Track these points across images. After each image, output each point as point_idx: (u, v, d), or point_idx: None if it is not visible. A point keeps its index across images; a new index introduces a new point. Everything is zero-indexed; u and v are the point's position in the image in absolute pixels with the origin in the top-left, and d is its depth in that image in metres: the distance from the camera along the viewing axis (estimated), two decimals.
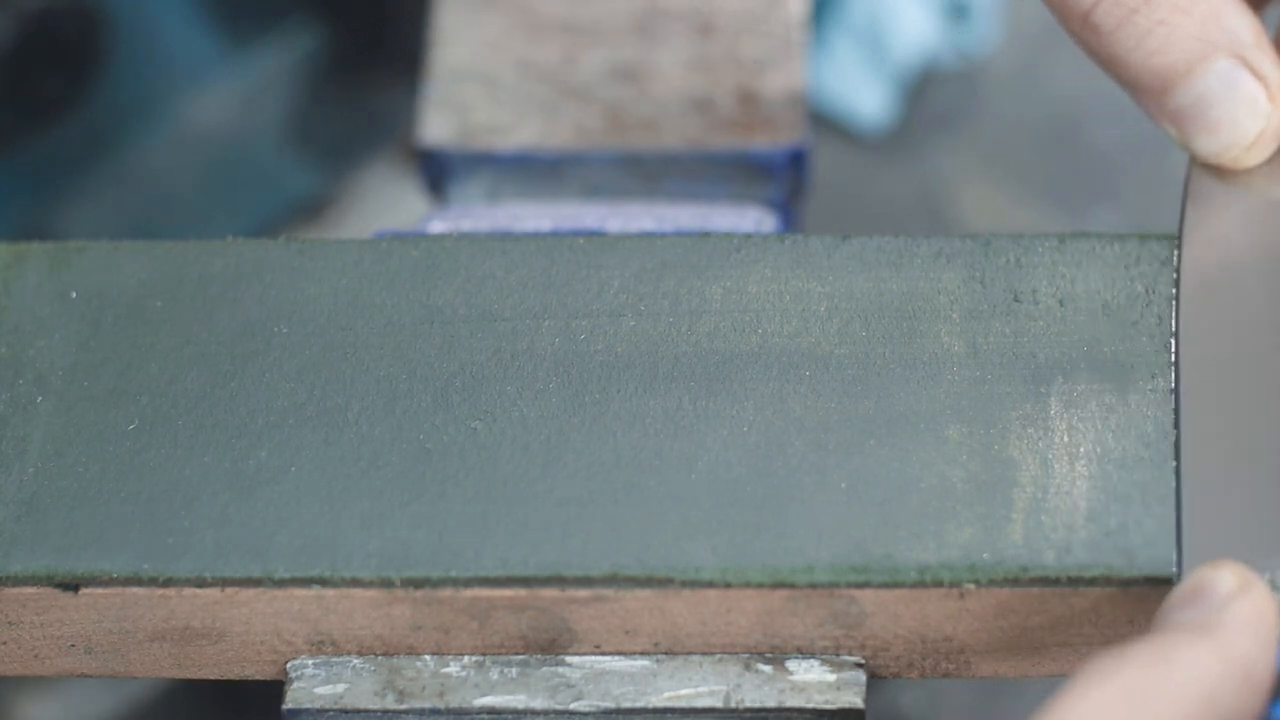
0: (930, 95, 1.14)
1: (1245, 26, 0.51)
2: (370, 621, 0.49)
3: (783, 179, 0.66)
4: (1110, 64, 0.52)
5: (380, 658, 0.49)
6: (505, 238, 0.56)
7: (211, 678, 0.50)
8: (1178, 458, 0.49)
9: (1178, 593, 0.43)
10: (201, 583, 0.48)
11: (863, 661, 0.49)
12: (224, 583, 0.48)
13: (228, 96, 0.89)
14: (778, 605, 0.48)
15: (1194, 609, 0.43)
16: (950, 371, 0.52)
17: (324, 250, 0.55)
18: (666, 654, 0.49)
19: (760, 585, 0.48)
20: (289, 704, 0.49)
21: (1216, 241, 0.53)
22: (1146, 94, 0.52)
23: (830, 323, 0.53)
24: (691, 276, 0.54)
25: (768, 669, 0.49)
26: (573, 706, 0.48)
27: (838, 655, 0.49)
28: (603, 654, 0.49)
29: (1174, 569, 0.48)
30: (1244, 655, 0.41)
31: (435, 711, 0.48)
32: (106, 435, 0.51)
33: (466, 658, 0.49)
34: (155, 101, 0.87)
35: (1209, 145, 0.52)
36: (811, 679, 0.49)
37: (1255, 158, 0.52)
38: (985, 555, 0.48)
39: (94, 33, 0.85)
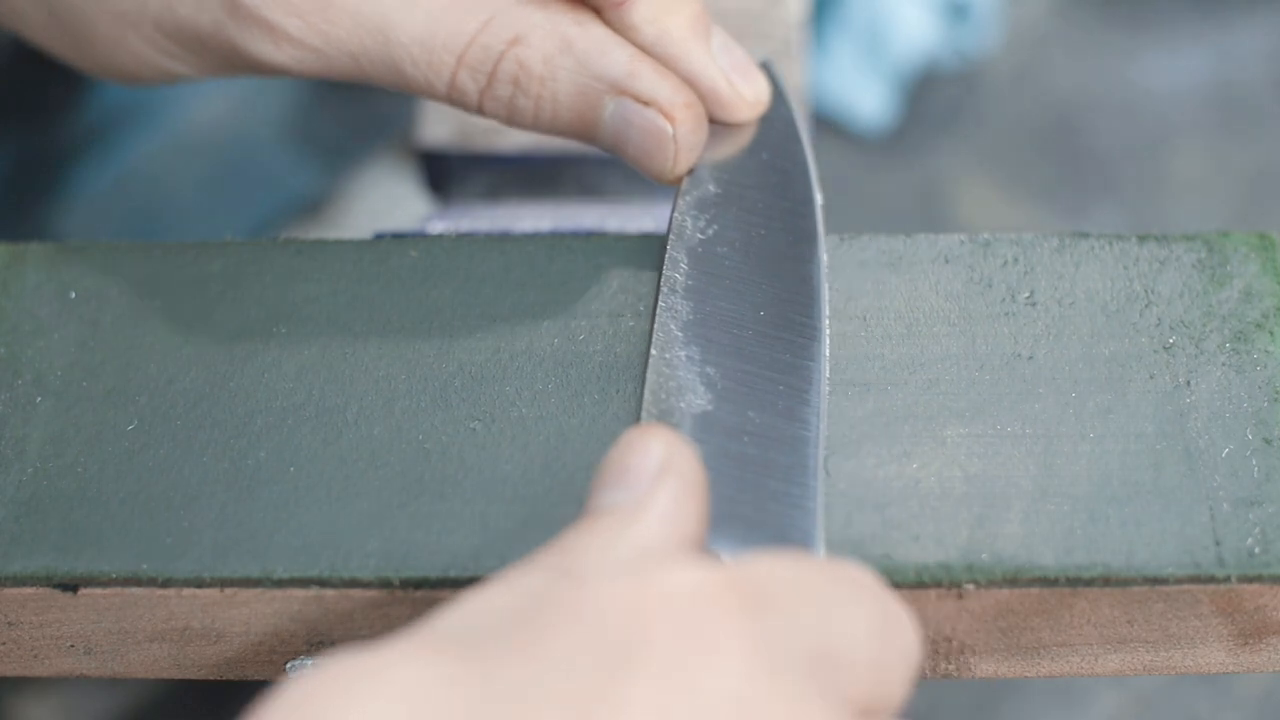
0: (930, 95, 1.14)
1: (615, 62, 0.53)
2: (369, 622, 0.49)
3: None
4: (545, 133, 0.54)
5: None
6: (505, 238, 0.56)
7: (211, 678, 0.50)
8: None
9: (606, 469, 0.42)
10: (200, 583, 0.48)
11: None
12: (223, 583, 0.48)
13: (228, 96, 0.89)
14: None
15: (620, 489, 0.41)
16: (950, 371, 0.52)
17: (323, 250, 0.55)
18: None
19: None
20: None
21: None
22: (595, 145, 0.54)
23: (830, 323, 0.53)
24: None
25: None
26: None
27: None
28: None
29: (1169, 569, 0.48)
30: (661, 541, 0.40)
31: None
32: (105, 435, 0.51)
33: None
34: (155, 101, 0.87)
35: (651, 172, 0.54)
36: None
37: (686, 163, 0.54)
38: (984, 556, 0.48)
39: None
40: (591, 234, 0.56)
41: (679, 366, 0.49)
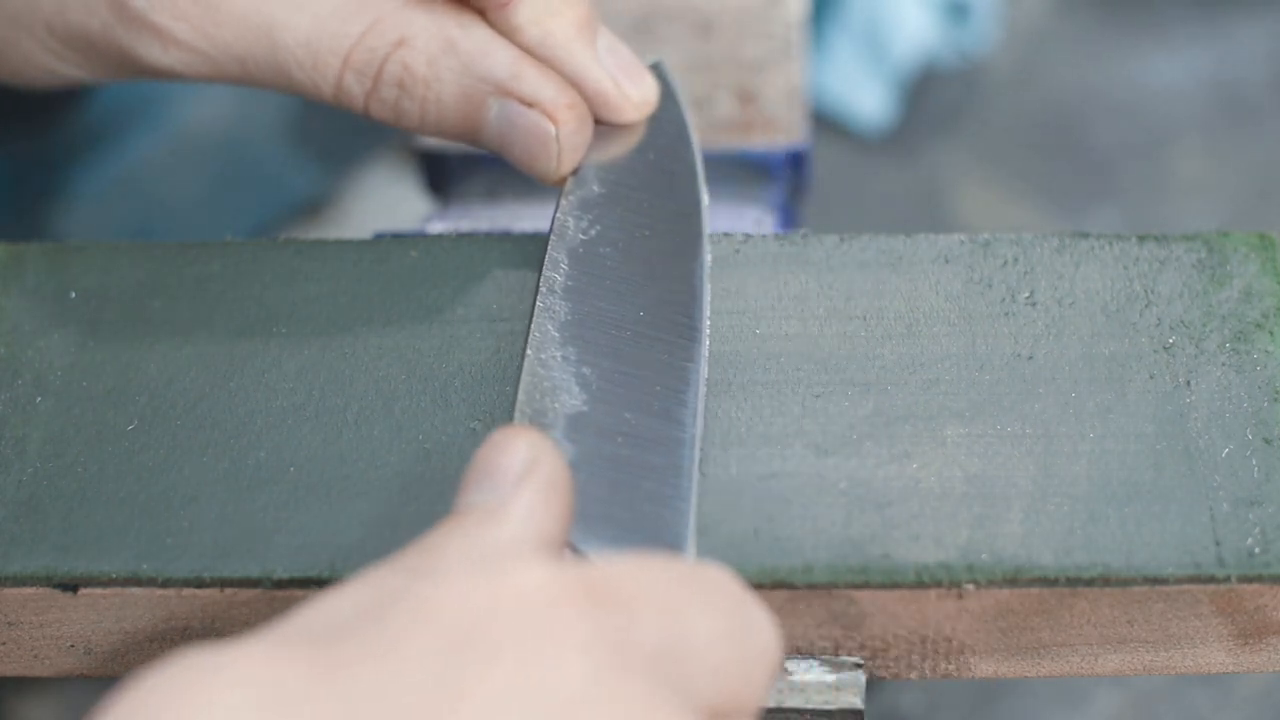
0: (930, 95, 1.14)
1: (498, 64, 0.53)
2: None
3: (783, 179, 0.66)
4: (432, 135, 0.55)
5: None
6: (505, 238, 0.56)
7: None
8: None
9: (471, 469, 0.42)
10: (200, 583, 0.48)
11: (862, 662, 0.49)
12: (222, 583, 0.48)
13: (228, 97, 0.89)
14: (777, 605, 0.48)
15: (484, 490, 0.41)
16: (950, 371, 0.52)
17: (322, 251, 0.55)
18: None
19: (759, 585, 0.48)
20: None
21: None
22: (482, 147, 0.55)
23: (830, 323, 0.53)
24: None
25: None
26: None
27: (837, 656, 0.49)
28: None
29: (1169, 569, 0.48)
30: (520, 541, 0.41)
31: None
32: (105, 435, 0.51)
33: None
34: (155, 102, 0.87)
35: (535, 173, 0.54)
36: (811, 679, 0.49)
37: (570, 164, 0.54)
38: (984, 556, 0.48)
39: None
40: None
41: (554, 367, 0.49)
